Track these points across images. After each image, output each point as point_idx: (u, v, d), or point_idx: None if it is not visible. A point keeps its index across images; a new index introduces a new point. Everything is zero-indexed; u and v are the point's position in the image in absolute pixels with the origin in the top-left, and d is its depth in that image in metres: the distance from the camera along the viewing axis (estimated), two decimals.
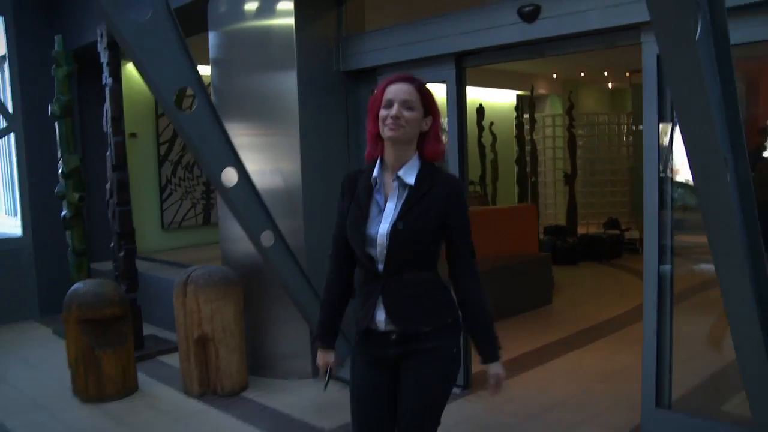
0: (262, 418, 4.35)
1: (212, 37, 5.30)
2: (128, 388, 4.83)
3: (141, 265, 6.45)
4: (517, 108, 11.23)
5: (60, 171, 6.35)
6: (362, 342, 2.38)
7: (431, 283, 2.29)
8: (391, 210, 2.24)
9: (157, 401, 4.75)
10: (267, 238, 4.22)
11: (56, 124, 6.34)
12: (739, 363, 2.58)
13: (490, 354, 2.32)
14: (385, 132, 2.21)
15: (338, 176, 2.83)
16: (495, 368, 2.32)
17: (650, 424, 3.80)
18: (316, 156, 4.95)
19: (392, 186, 2.27)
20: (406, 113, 2.20)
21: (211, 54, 5.33)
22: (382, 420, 2.35)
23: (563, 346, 5.72)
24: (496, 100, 11.86)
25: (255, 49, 5.02)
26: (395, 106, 2.19)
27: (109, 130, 5.65)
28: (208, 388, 4.78)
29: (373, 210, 2.27)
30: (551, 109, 12.94)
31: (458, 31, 4.33)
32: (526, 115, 11.21)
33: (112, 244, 5.93)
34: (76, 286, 4.84)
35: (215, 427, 4.27)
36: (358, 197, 2.30)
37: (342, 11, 5.05)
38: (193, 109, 4.02)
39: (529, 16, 4.03)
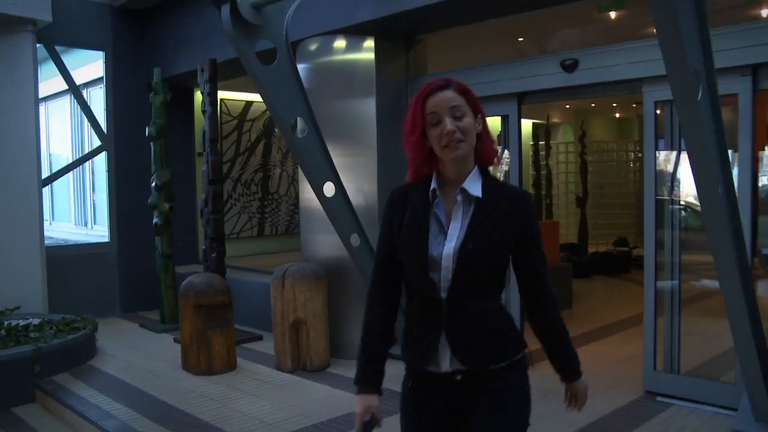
0: (348, 385, 5.40)
1: (301, 69, 6.43)
2: (231, 364, 5.87)
3: None
4: (534, 135, 12.36)
5: (153, 184, 7.44)
6: (417, 387, 2.07)
7: (498, 313, 2.03)
8: (456, 228, 1.96)
9: (257, 374, 5.79)
10: (355, 239, 5.29)
11: (151, 143, 7.45)
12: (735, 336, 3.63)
13: (575, 372, 2.24)
14: (447, 154, 1.95)
15: None
16: (581, 384, 2.27)
17: (651, 383, 4.91)
18: (390, 177, 6.03)
19: (454, 201, 1.99)
20: (460, 123, 1.94)
21: None
22: None
23: (584, 338, 6.76)
24: None
25: (339, 81, 6.13)
26: (446, 120, 1.93)
27: (208, 149, 6.74)
28: (299, 365, 5.82)
29: (433, 228, 1.99)
30: (564, 137, 14.06)
31: (518, 76, 5.46)
32: (542, 142, 12.33)
33: (203, 247, 7.00)
34: (190, 278, 5.91)
35: (310, 392, 5.30)
36: (414, 214, 2.01)
37: (410, 55, 6.18)
38: (304, 133, 5.09)
39: (570, 67, 5.15)
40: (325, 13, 6.03)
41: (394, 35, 6.09)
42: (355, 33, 6.02)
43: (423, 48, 6.36)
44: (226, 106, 9.43)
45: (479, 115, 2.01)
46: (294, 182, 10.14)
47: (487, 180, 2.01)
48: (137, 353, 6.58)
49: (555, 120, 13.53)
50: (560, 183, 13.62)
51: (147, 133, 7.44)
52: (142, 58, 8.48)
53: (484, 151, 2.01)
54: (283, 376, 5.71)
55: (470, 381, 1.97)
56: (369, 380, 2.06)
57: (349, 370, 5.85)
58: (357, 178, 6.01)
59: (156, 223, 7.47)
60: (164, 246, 7.52)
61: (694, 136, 3.16)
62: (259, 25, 4.70)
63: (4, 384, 5.45)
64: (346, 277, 6.02)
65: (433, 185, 2.00)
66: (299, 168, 5.76)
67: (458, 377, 1.97)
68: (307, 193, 6.15)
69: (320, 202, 5.41)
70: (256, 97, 9.56)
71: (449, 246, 1.93)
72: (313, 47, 6.26)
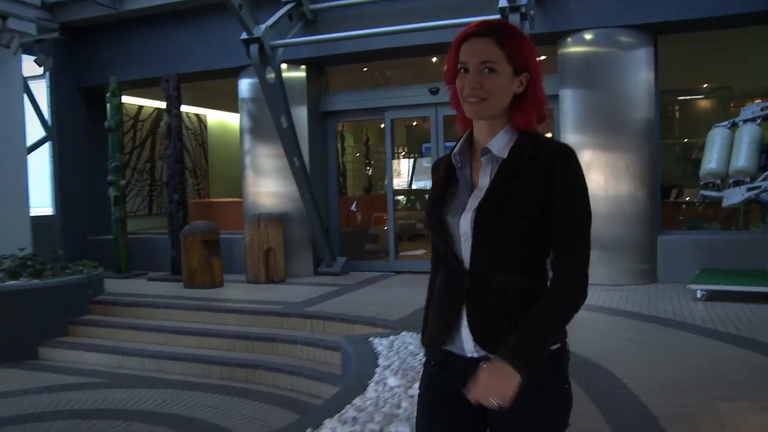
0: (312, 283, 8.54)
1: (242, 83, 9.37)
2: (222, 281, 8.62)
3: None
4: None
5: (113, 165, 9.69)
6: (436, 371, 1.78)
7: (531, 293, 1.66)
8: (481, 192, 1.70)
9: (243, 285, 8.65)
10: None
11: (109, 134, 9.71)
12: None
13: (517, 351, 1.57)
14: (467, 109, 1.69)
15: None
16: (499, 369, 1.55)
17: None
18: None
19: (481, 163, 1.73)
20: (488, 80, 1.65)
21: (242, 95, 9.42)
22: None
23: None
24: None
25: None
26: (472, 73, 1.66)
27: (174, 138, 9.31)
28: (268, 279, 8.77)
29: (457, 192, 1.76)
30: (348, 142, 17.95)
31: None
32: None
33: (169, 210, 9.52)
34: (194, 223, 8.59)
35: (282, 290, 8.31)
36: (437, 180, 1.81)
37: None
38: (285, 125, 8.20)
39: (433, 92, 8.92)
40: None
41: None
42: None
43: None
44: (126, 110, 11.68)
45: (524, 72, 1.68)
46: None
47: (522, 138, 1.69)
48: (134, 285, 8.94)
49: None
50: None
51: (106, 126, 9.66)
52: (76, 67, 10.53)
53: (521, 113, 1.70)
54: (261, 285, 8.64)
55: None
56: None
57: (296, 280, 8.95)
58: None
59: (115, 196, 9.71)
60: (121, 213, 9.78)
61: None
62: (269, 57, 7.82)
63: (69, 301, 7.66)
64: (289, 222, 9.12)
65: (457, 148, 1.76)
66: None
67: (483, 364, 1.59)
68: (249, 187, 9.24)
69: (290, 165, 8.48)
70: (145, 102, 11.98)
71: (469, 210, 1.69)
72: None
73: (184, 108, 9.96)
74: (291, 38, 8.34)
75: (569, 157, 1.68)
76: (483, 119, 1.72)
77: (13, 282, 7.50)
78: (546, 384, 1.67)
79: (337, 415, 3.24)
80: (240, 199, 9.96)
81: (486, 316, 1.67)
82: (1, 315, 7.26)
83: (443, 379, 1.77)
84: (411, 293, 7.46)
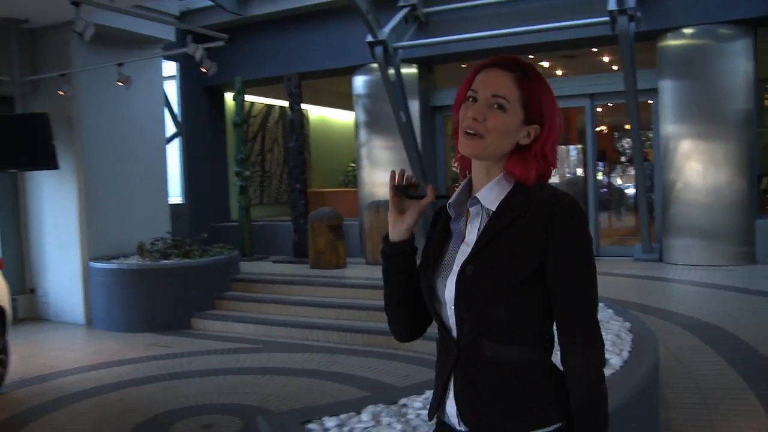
0: None
1: (357, 80, 10.18)
2: (344, 262, 9.49)
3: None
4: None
5: (239, 157, 10.68)
6: None
7: (525, 365, 1.49)
8: (467, 248, 1.52)
9: (364, 265, 9.50)
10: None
11: (236, 129, 10.70)
12: None
13: None
14: (460, 143, 1.51)
15: None
16: None
17: None
18: None
19: (471, 214, 1.55)
20: (494, 116, 1.47)
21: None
22: None
23: None
24: None
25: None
26: (479, 102, 1.49)
27: (297, 134, 10.22)
28: None
29: (451, 250, 1.58)
30: None
31: None
32: None
33: (292, 198, 10.45)
34: (320, 209, 9.48)
35: None
36: (431, 232, 1.64)
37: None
38: (404, 119, 8.98)
39: None
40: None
41: None
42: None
43: None
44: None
45: (539, 125, 1.49)
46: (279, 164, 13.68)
47: (516, 189, 1.50)
48: (262, 267, 9.90)
49: None
50: None
51: (233, 122, 10.67)
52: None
53: (519, 164, 1.50)
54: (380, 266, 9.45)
55: None
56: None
57: None
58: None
59: (240, 185, 10.71)
60: (245, 201, 10.77)
61: None
62: (392, 57, 8.61)
63: (214, 278, 8.64)
64: None
65: (453, 197, 1.58)
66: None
67: None
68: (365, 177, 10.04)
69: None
70: (256, 99, 13.00)
71: (453, 272, 1.52)
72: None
73: (285, 103, 10.84)
74: (408, 40, 9.13)
75: (569, 206, 1.47)
76: (476, 158, 1.53)
77: (165, 261, 8.52)
78: None
79: None
80: (348, 189, 10.83)
81: (473, 392, 1.50)
82: (158, 290, 8.29)
83: None
84: None
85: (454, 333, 1.54)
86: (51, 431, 5.01)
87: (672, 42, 8.80)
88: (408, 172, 1.58)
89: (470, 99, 1.51)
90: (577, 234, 1.47)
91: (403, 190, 1.57)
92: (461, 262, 1.51)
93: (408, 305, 1.67)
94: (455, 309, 1.51)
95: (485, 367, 1.50)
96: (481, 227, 1.52)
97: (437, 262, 1.59)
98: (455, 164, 1.68)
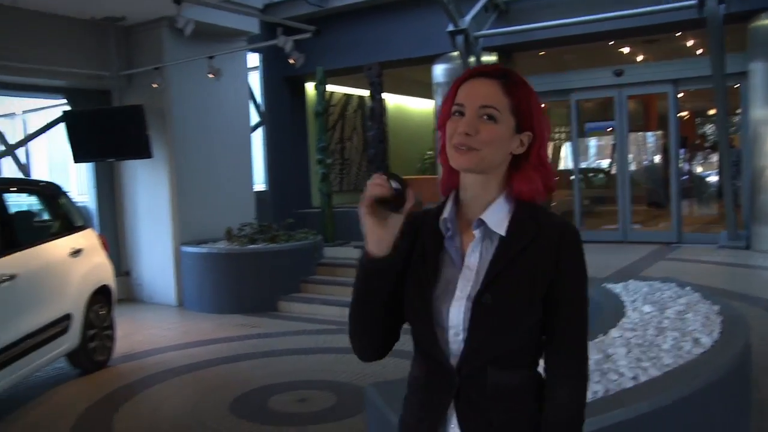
0: None
1: (437, 68, 10.26)
2: None
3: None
4: None
5: (321, 146, 10.95)
6: None
7: (529, 390, 1.48)
8: (471, 274, 1.45)
9: None
10: None
11: (318, 118, 10.97)
12: None
13: None
14: (452, 158, 1.45)
15: None
16: None
17: None
18: None
19: (473, 236, 1.47)
20: (485, 128, 1.42)
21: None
22: None
23: None
24: None
25: None
26: (467, 115, 1.43)
27: (377, 123, 10.41)
28: None
29: (448, 271, 1.48)
30: None
31: None
32: None
33: None
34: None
35: None
36: (423, 249, 1.50)
37: None
38: None
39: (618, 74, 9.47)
40: None
41: None
42: None
43: None
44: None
45: (530, 132, 1.45)
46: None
47: (521, 211, 1.46)
48: (344, 252, 10.15)
49: None
50: None
51: (315, 111, 10.94)
52: (283, 58, 11.88)
53: (520, 185, 1.47)
54: None
55: None
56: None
57: None
58: None
59: (323, 173, 10.98)
60: (327, 188, 11.05)
61: None
62: (473, 45, 8.66)
63: (300, 263, 8.93)
64: None
65: (446, 214, 1.49)
66: None
67: None
68: None
69: None
70: (335, 89, 13.24)
71: (460, 298, 1.44)
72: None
73: (364, 93, 10.99)
74: (488, 29, 9.16)
75: (575, 238, 1.46)
76: (470, 172, 1.46)
77: (252, 246, 8.85)
78: None
79: (618, 324, 3.93)
80: (425, 177, 10.94)
81: (485, 421, 1.45)
82: (246, 274, 8.64)
83: None
84: (605, 257, 8.39)
85: (452, 360, 1.46)
86: (158, 401, 5.37)
87: (766, 22, 8.52)
88: (390, 182, 1.39)
89: (456, 114, 1.46)
90: (582, 266, 1.47)
91: (389, 205, 1.39)
92: (470, 288, 1.45)
93: (379, 324, 1.53)
94: (468, 337, 1.43)
95: (492, 395, 1.44)
96: (486, 251, 1.47)
97: (433, 281, 1.49)
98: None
